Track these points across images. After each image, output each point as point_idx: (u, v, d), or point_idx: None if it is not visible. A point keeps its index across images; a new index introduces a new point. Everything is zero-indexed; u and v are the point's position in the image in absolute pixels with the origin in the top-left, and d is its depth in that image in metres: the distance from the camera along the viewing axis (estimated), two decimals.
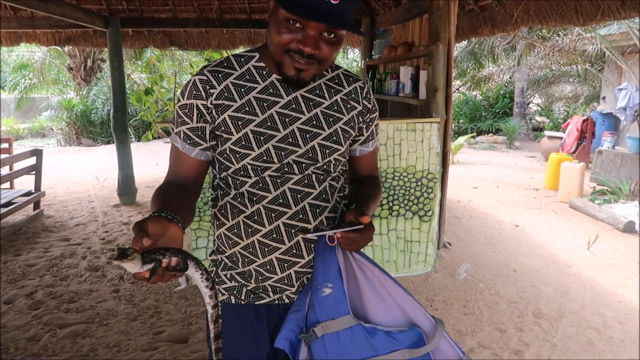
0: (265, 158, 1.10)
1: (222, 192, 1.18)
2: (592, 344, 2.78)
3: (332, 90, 1.18)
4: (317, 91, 1.16)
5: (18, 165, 5.42)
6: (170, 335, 2.77)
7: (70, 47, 10.43)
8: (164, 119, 5.69)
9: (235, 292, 1.20)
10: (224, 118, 1.10)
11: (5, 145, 6.12)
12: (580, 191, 6.25)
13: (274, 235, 1.13)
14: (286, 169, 1.11)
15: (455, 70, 14.75)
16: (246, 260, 1.17)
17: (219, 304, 1.01)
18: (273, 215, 1.12)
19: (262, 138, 1.09)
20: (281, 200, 1.12)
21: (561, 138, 9.42)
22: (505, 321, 3.00)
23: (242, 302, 1.19)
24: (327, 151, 1.14)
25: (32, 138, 14.11)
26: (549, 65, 13.81)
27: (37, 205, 5.24)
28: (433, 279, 3.56)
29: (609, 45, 8.22)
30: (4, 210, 4.53)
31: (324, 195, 1.16)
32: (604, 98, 10.53)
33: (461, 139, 9.57)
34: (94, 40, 6.35)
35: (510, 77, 15.28)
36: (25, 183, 5.80)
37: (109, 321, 2.93)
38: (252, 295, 1.19)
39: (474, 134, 12.90)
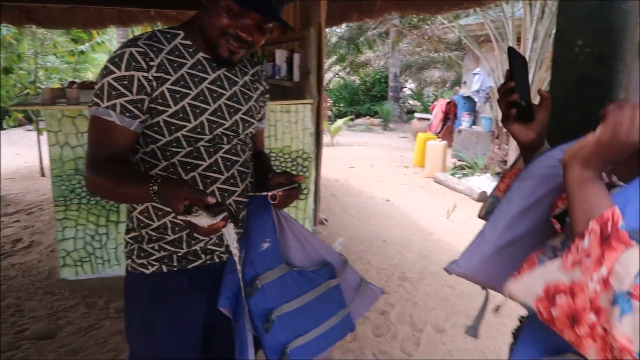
0: (199, 130, 1.18)
1: (147, 165, 1.19)
2: (447, 299, 3.15)
3: (241, 72, 1.30)
4: (234, 71, 1.27)
5: None
6: (34, 332, 2.59)
7: None
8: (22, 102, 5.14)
9: (166, 260, 1.22)
10: (163, 91, 1.14)
11: None
12: (444, 167, 6.91)
13: None
14: (217, 140, 1.21)
15: (335, 56, 15.23)
16: (177, 228, 1.21)
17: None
18: (208, 181, 1.20)
19: (197, 111, 1.17)
20: (215, 168, 1.21)
21: (429, 119, 10.26)
22: None
23: (175, 269, 1.23)
24: (247, 124, 1.28)
25: None
26: (419, 52, 14.86)
27: None
28: None
29: (467, 35, 9.07)
30: None
31: (246, 163, 1.29)
32: (464, 82, 11.60)
33: (340, 122, 9.98)
34: None
35: (385, 63, 16.17)
36: None
37: None
38: (183, 261, 1.23)
39: (353, 116, 13.50)
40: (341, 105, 15.08)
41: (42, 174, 6.27)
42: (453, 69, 14.18)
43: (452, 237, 4.32)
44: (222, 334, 1.28)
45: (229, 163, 1.23)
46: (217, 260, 1.27)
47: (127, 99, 1.11)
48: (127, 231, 1.26)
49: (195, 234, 1.18)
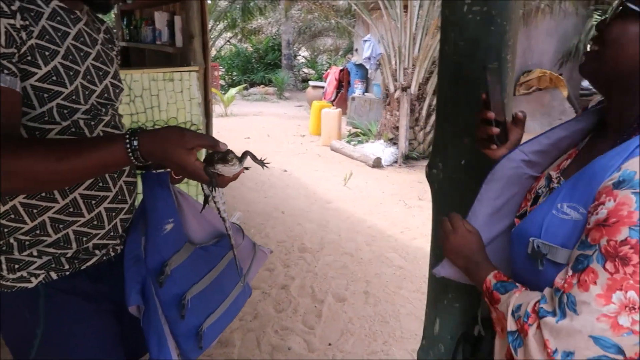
0: (74, 97, 0.94)
1: None
2: (346, 267, 3.15)
3: (95, 28, 1.07)
4: (90, 27, 1.04)
5: None
6: None
7: None
8: None
9: (53, 265, 0.99)
10: (32, 45, 0.86)
11: None
12: (339, 134, 6.95)
13: (101, 184, 1.00)
14: (95, 111, 1.00)
15: (226, 21, 14.60)
16: (62, 225, 0.97)
17: None
18: None
19: (71, 73, 0.93)
20: None
21: (323, 87, 10.27)
22: (274, 260, 3.18)
23: (67, 273, 1.00)
24: (117, 90, 1.09)
25: None
26: (311, 19, 14.74)
27: None
28: None
29: (356, 1, 9.10)
30: None
31: None
32: (356, 50, 11.75)
33: (233, 91, 9.64)
34: None
35: (277, 30, 15.85)
36: None
37: None
38: (75, 261, 1.01)
39: (247, 85, 13.14)
40: (234, 74, 14.59)
41: None
42: (345, 36, 14.30)
43: (349, 204, 4.36)
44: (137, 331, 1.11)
45: None
46: (112, 254, 1.09)
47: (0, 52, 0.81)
48: None
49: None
